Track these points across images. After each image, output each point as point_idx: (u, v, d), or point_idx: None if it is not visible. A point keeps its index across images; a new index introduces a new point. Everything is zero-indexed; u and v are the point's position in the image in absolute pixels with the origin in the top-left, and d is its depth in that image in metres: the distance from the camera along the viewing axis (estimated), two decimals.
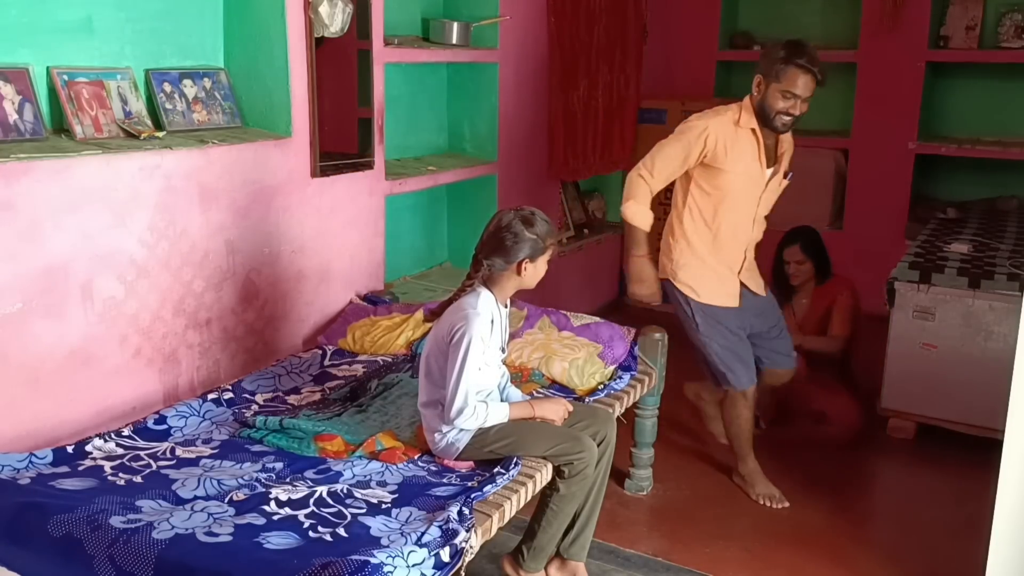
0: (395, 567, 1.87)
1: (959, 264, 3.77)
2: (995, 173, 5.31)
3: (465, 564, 2.05)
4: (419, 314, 3.22)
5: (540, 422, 2.52)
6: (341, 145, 3.43)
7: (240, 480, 2.28)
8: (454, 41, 3.94)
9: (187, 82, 3.00)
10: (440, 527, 2.04)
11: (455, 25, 3.94)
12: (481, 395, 2.45)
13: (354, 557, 1.84)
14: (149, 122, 2.86)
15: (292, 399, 2.85)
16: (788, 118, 3.00)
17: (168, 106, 2.93)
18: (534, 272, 2.47)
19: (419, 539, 1.98)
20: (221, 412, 2.71)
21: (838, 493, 3.36)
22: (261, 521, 2.07)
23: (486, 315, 2.41)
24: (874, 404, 3.86)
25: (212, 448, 2.51)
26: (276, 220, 3.12)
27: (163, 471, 2.34)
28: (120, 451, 2.43)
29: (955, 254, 3.95)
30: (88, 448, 2.41)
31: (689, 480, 3.44)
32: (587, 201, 5.51)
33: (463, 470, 2.43)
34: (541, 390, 2.92)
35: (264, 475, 2.33)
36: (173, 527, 1.98)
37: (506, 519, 2.29)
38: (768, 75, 2.99)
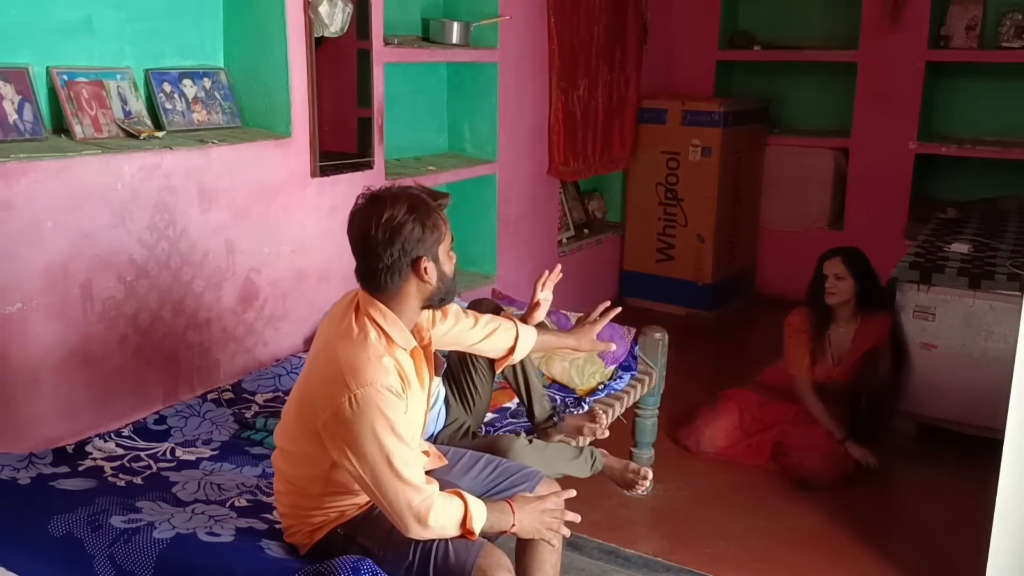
0: None
1: (959, 264, 3.76)
2: (995, 173, 5.30)
3: None
4: None
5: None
6: (341, 145, 3.42)
7: (241, 487, 2.28)
8: (454, 41, 3.94)
9: (187, 82, 2.99)
10: None
11: (455, 25, 3.93)
12: None
13: (351, 555, 1.83)
14: (149, 122, 2.86)
15: None
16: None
17: (168, 106, 2.93)
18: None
19: None
20: (221, 412, 2.71)
21: (838, 493, 3.36)
22: (263, 527, 2.07)
23: None
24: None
25: (212, 449, 2.51)
26: (276, 220, 3.12)
27: (163, 473, 2.34)
28: (120, 451, 2.43)
29: (955, 254, 3.94)
30: (88, 448, 2.41)
31: (689, 480, 3.44)
32: (587, 201, 5.51)
33: None
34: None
35: (264, 481, 2.33)
36: (174, 527, 1.97)
37: None
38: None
